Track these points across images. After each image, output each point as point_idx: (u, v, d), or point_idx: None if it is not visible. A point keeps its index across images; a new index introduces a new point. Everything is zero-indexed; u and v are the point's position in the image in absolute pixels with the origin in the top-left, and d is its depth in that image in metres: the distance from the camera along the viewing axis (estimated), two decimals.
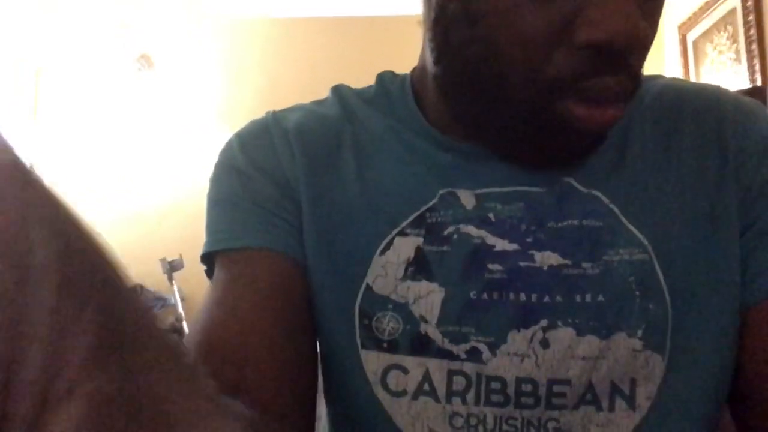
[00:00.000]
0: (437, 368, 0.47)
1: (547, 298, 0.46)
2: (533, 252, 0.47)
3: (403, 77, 0.58)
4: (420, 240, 0.49)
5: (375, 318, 0.49)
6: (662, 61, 3.53)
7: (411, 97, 0.55)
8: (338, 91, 0.59)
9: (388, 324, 0.48)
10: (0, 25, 3.30)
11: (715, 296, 0.46)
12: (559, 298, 0.46)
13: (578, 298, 0.45)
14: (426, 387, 0.47)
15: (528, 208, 0.48)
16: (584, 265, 0.46)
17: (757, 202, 0.47)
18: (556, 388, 0.45)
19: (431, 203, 0.50)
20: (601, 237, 0.47)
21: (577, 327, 0.45)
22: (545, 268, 0.46)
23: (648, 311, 0.45)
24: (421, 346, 0.48)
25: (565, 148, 0.47)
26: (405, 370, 0.48)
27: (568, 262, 0.46)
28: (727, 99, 0.52)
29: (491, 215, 0.48)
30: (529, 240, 0.47)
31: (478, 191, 0.49)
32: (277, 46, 3.59)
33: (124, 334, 0.24)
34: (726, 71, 2.86)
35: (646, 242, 0.46)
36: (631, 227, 0.47)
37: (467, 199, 0.49)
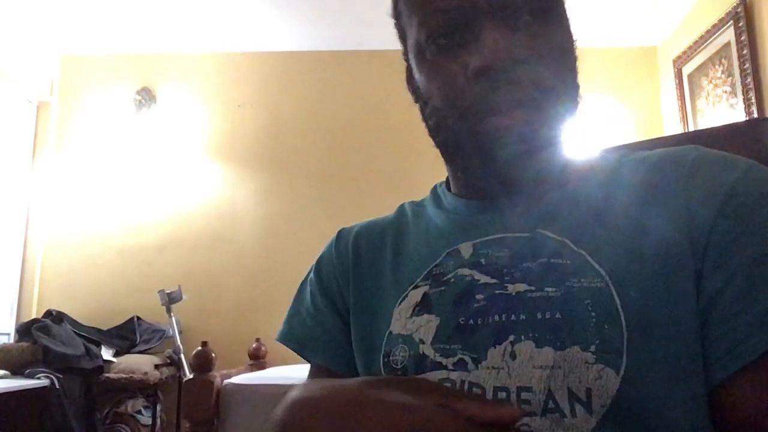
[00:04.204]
0: (432, 378, 0.55)
1: (513, 317, 0.54)
2: (507, 284, 0.57)
3: None
4: (427, 287, 0.61)
5: (391, 354, 0.60)
6: (658, 94, 3.56)
7: (444, 181, 0.71)
8: (401, 205, 0.74)
9: (399, 354, 0.59)
10: (1, 61, 3.34)
11: (672, 326, 0.50)
12: (523, 317, 0.54)
13: (539, 315, 0.53)
14: None
15: (511, 254, 0.59)
16: (547, 289, 0.54)
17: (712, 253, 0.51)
18: (523, 395, 0.51)
19: (438, 260, 0.63)
20: (567, 270, 0.55)
21: (536, 340, 0.53)
22: (514, 294, 0.56)
23: (603, 330, 0.51)
24: (421, 364, 0.57)
25: (509, 162, 0.56)
26: None
27: (533, 288, 0.55)
28: (701, 156, 0.56)
29: (483, 260, 0.60)
30: (506, 277, 0.57)
31: (476, 241, 0.62)
32: (278, 80, 3.63)
33: None
34: (722, 104, 2.88)
35: (604, 273, 0.53)
36: (597, 266, 0.54)
37: (466, 250, 0.62)
